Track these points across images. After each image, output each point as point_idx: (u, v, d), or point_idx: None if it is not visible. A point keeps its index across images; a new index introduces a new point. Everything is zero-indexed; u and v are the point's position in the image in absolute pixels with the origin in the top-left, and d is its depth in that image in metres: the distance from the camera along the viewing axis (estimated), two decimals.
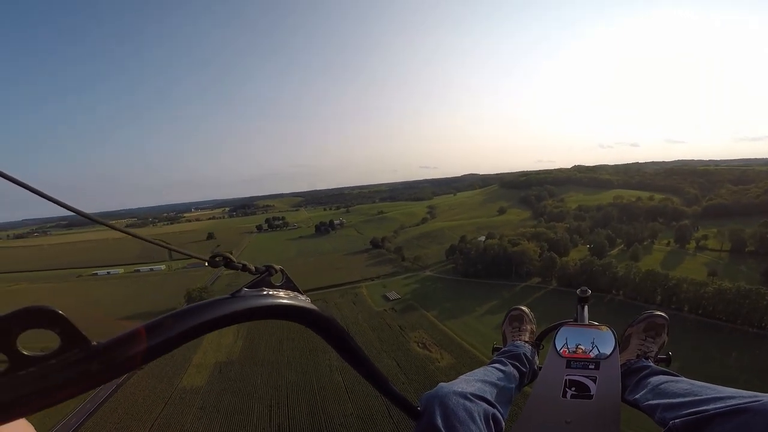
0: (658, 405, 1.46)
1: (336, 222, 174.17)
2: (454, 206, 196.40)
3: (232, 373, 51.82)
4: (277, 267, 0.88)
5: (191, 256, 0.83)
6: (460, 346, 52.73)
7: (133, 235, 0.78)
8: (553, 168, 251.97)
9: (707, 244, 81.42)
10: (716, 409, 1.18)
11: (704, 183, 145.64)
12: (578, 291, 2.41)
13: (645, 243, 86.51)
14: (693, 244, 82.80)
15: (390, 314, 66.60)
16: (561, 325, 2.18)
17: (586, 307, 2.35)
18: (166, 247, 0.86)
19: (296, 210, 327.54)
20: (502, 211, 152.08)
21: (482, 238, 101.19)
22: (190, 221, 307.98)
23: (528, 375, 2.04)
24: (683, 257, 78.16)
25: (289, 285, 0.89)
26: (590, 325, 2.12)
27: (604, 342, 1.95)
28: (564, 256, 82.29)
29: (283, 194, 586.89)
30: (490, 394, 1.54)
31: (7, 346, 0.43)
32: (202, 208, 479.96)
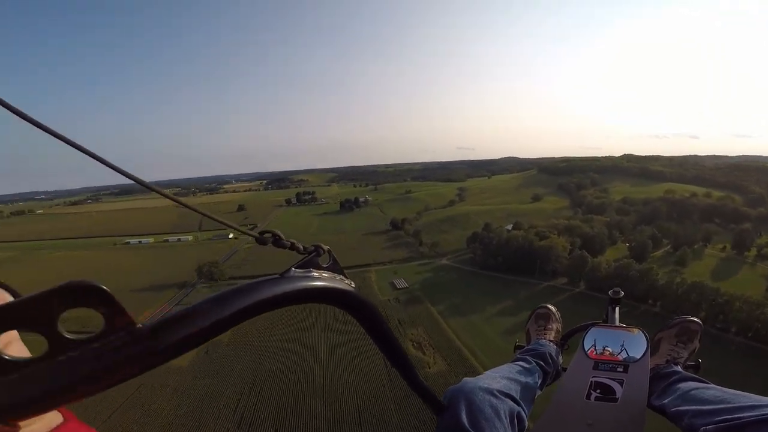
0: (687, 411, 1.42)
1: (361, 199, 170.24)
2: (485, 190, 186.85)
3: (216, 355, 50.18)
4: (325, 247, 0.84)
5: (242, 232, 0.78)
6: (458, 352, 47.49)
7: (184, 205, 0.74)
8: (599, 155, 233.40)
9: None
10: (751, 417, 1.15)
11: None
12: (610, 292, 2.33)
13: (696, 246, 75.88)
14: (753, 251, 71.39)
15: (392, 305, 62.08)
16: (590, 325, 2.08)
17: (617, 309, 2.26)
18: (216, 220, 0.79)
19: (328, 185, 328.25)
20: (536, 198, 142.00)
21: (509, 227, 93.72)
22: (227, 192, 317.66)
23: (552, 375, 1.98)
24: (740, 266, 67.46)
25: (335, 267, 0.85)
26: (621, 327, 2.02)
27: (635, 345, 1.87)
28: (599, 254, 73.93)
29: (318, 169, 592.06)
30: (515, 391, 1.53)
31: (48, 327, 0.38)
32: (242, 181, 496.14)
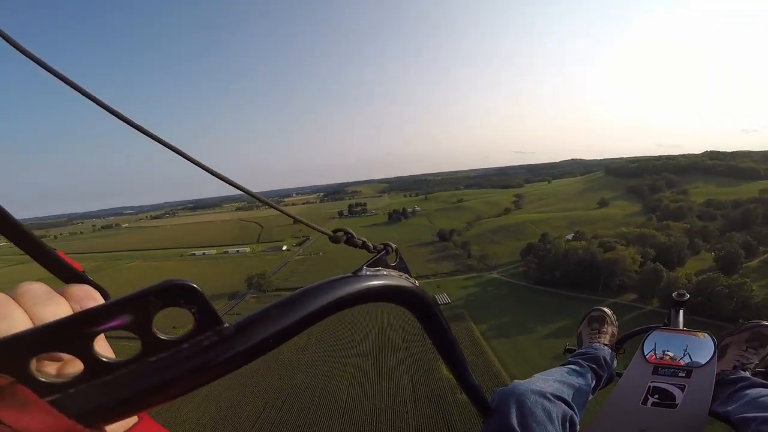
0: (755, 418, 1.33)
1: (409, 210, 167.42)
2: (545, 196, 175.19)
3: (247, 367, 49.76)
4: (393, 246, 0.84)
5: (317, 230, 0.79)
6: (496, 377, 41.94)
7: (277, 209, 0.80)
8: (676, 153, 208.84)
9: None
10: None
11: None
12: (674, 294, 2.26)
13: None
14: None
15: None
16: (652, 329, 1.99)
17: (681, 312, 2.20)
18: (298, 220, 0.80)
19: (380, 196, 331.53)
20: (603, 204, 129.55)
21: (569, 237, 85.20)
22: (287, 206, 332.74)
23: (605, 379, 1.90)
24: None
25: (401, 266, 0.86)
26: (685, 331, 1.94)
27: (700, 349, 1.78)
28: (676, 267, 63.84)
29: (372, 180, 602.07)
30: (567, 395, 1.47)
31: (143, 327, 0.37)
32: (301, 194, 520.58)
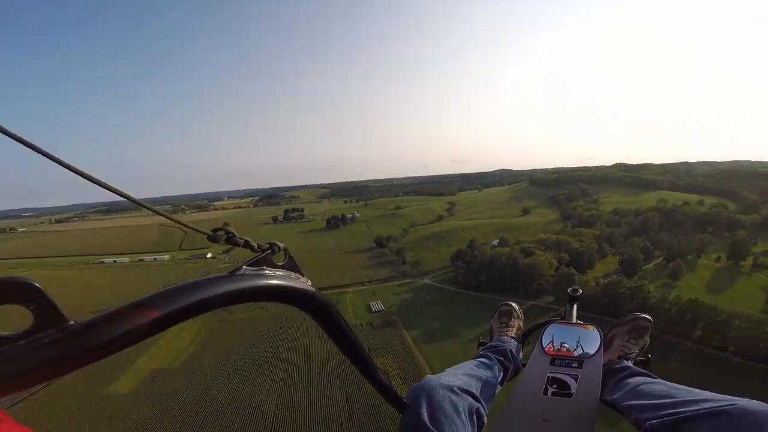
0: (635, 405, 1.47)
1: (348, 216, 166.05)
2: (476, 203, 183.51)
3: (163, 382, 47.18)
4: (281, 245, 0.83)
5: (192, 229, 0.75)
6: None
7: (151, 209, 0.73)
8: (591, 165, 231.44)
9: (766, 261, 65.90)
10: (691, 411, 1.20)
11: (765, 187, 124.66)
12: (569, 290, 2.40)
13: (689, 257, 71.94)
14: (749, 261, 67.45)
15: (365, 330, 57.34)
16: (549, 322, 2.13)
17: (575, 306, 2.34)
18: (170, 218, 0.76)
19: (319, 202, 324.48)
20: (526, 212, 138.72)
21: (495, 243, 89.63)
22: (216, 210, 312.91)
23: (512, 371, 2.02)
24: (736, 277, 63.31)
25: (291, 265, 0.84)
26: (578, 324, 2.09)
27: (590, 341, 1.93)
28: (587, 270, 69.84)
29: (311, 185, 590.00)
30: (475, 388, 1.54)
31: None
32: (233, 197, 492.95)
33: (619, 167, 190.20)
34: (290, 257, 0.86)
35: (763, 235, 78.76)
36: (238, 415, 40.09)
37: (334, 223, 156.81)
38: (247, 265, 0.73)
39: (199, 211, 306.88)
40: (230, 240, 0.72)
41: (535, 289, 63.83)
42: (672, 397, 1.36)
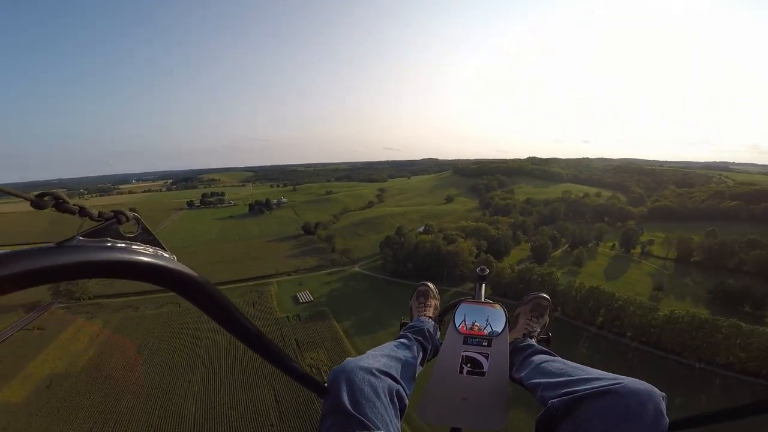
0: (539, 384, 1.54)
1: (273, 201, 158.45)
2: (404, 190, 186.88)
3: (62, 388, 41.81)
4: (130, 214, 0.71)
5: (9, 193, 0.61)
6: None
7: None
8: (508, 158, 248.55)
9: (652, 250, 76.39)
10: (585, 390, 1.27)
11: (650, 183, 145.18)
12: (477, 269, 2.44)
13: (590, 245, 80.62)
14: (638, 249, 77.67)
15: (292, 323, 55.13)
16: (460, 302, 2.11)
17: (483, 285, 2.39)
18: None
19: (243, 185, 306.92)
20: (449, 200, 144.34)
21: (421, 229, 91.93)
22: (122, 194, 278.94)
23: (431, 351, 2.04)
24: (628, 264, 72.46)
25: (145, 237, 0.71)
26: (486, 303, 2.08)
27: (497, 319, 1.97)
28: (504, 256, 74.74)
29: (234, 168, 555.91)
30: (395, 369, 1.55)
31: None
32: (144, 180, 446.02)
33: (532, 161, 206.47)
34: (145, 228, 0.72)
35: (648, 224, 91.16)
36: (154, 420, 36.56)
37: (258, 208, 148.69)
38: (82, 236, 0.61)
39: (101, 195, 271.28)
40: (60, 206, 0.58)
41: (458, 276, 66.53)
42: (568, 376, 1.45)
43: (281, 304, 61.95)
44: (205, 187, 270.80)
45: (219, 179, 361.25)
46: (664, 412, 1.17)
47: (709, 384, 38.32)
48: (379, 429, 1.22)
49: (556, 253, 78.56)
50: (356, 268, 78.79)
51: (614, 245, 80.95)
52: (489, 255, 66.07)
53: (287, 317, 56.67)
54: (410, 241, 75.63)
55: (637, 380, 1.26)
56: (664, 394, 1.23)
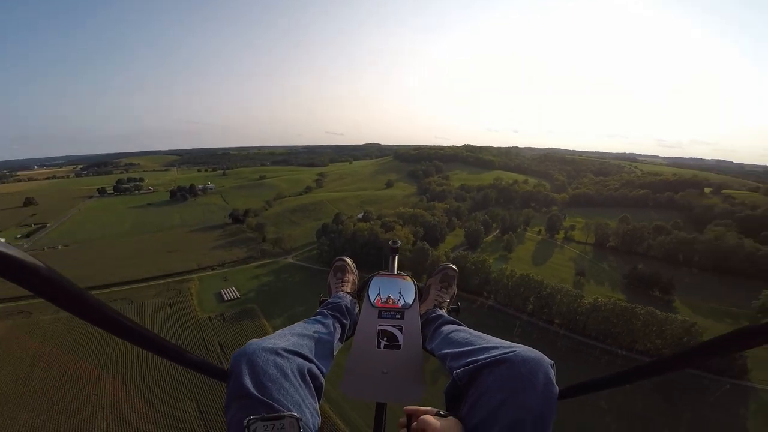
0: (447, 354, 1.56)
1: (199, 187, 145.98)
2: (345, 175, 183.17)
3: None
4: None
5: None
6: None
7: None
8: (445, 145, 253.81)
9: (574, 235, 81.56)
10: (485, 359, 1.31)
11: (571, 171, 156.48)
12: (390, 242, 2.50)
13: (519, 230, 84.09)
14: (562, 234, 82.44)
15: (215, 324, 50.19)
16: (374, 275, 2.18)
17: (396, 258, 2.43)
18: None
19: (166, 170, 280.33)
20: (389, 185, 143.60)
21: (360, 216, 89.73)
22: (20, 181, 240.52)
23: (349, 326, 2.00)
24: (553, 250, 76.44)
25: None
26: (398, 275, 2.16)
27: (408, 291, 2.02)
28: (440, 243, 75.25)
29: (157, 151, 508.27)
30: (307, 348, 1.49)
31: None
32: (49, 165, 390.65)
33: (467, 148, 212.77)
34: None
35: (570, 210, 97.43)
36: None
37: (181, 195, 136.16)
38: None
39: None
40: None
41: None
42: (471, 345, 1.48)
43: (203, 302, 56.21)
44: (122, 173, 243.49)
45: (139, 163, 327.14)
46: (553, 380, 1.22)
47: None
48: (290, 410, 1.16)
49: (488, 238, 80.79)
50: (289, 259, 74.55)
51: (540, 230, 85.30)
52: (425, 243, 65.64)
53: (209, 318, 51.47)
54: (348, 229, 73.04)
55: (529, 348, 1.31)
56: (552, 362, 1.28)
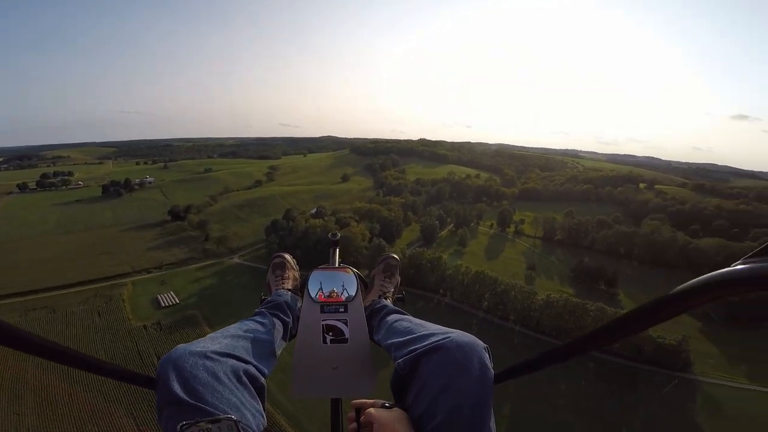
0: (392, 344, 1.56)
1: (136, 181, 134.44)
2: (298, 168, 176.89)
3: None
4: None
5: None
6: None
7: None
8: (402, 138, 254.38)
9: (524, 229, 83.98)
10: (423, 347, 1.32)
11: (519, 166, 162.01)
12: (330, 235, 2.52)
13: (472, 224, 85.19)
14: (512, 228, 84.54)
15: (151, 333, 45.60)
16: (315, 269, 2.11)
17: (337, 251, 2.43)
18: None
19: (100, 163, 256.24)
20: (345, 179, 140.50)
21: (313, 211, 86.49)
22: None
23: (293, 324, 1.95)
24: (504, 243, 78.14)
25: None
26: (340, 268, 2.10)
27: (351, 284, 1.96)
28: (396, 239, 74.29)
29: (89, 143, 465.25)
30: (242, 349, 1.42)
31: None
32: None
33: (422, 142, 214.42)
34: None
35: (519, 205, 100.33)
36: None
37: (115, 190, 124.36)
38: None
39: None
40: None
41: (351, 263, 63.24)
42: (413, 333, 1.49)
43: (137, 309, 50.99)
44: (48, 166, 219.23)
45: (69, 156, 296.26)
46: (489, 364, 1.25)
47: (585, 367, 40.90)
48: (227, 413, 1.11)
49: (443, 233, 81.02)
50: (235, 259, 70.18)
51: (492, 224, 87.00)
52: (381, 240, 64.23)
53: (144, 326, 46.79)
54: (300, 226, 69.86)
55: (464, 333, 1.33)
56: (486, 345, 1.31)
